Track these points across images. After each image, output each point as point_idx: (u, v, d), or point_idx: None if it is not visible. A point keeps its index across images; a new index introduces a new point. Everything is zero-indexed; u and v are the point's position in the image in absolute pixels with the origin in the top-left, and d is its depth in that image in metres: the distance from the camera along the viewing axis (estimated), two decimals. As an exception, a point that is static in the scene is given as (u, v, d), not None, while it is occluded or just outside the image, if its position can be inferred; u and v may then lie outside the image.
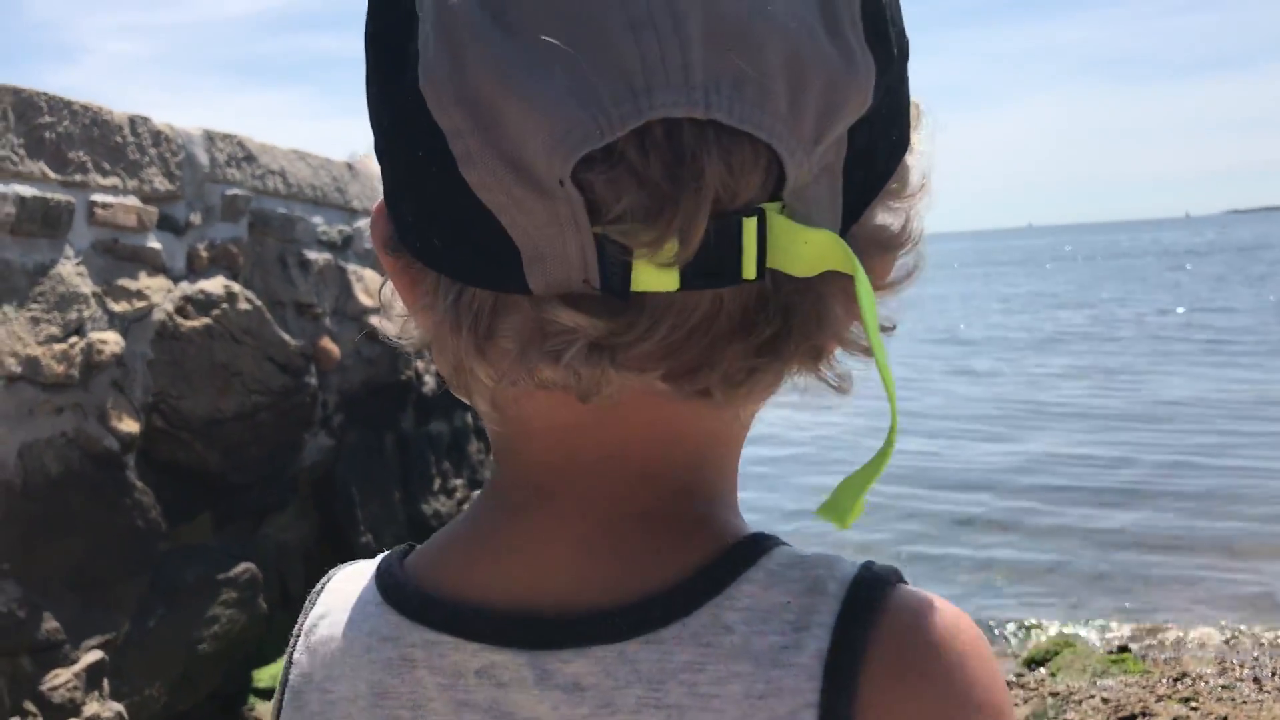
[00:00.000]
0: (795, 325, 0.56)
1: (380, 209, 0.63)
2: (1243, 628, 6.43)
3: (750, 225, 0.52)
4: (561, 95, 0.50)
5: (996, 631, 6.57)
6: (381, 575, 0.70)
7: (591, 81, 0.50)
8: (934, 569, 7.79)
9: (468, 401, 0.65)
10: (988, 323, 28.28)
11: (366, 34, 0.59)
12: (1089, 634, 6.45)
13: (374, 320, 5.57)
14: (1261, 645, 6.10)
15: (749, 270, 0.53)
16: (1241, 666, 5.67)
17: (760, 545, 0.62)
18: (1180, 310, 27.33)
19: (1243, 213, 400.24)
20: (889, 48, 0.57)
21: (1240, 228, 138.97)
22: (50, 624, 4.01)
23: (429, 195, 0.56)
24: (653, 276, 0.52)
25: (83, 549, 4.25)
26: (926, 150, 0.66)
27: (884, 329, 0.61)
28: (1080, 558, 7.86)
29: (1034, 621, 6.70)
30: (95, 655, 4.17)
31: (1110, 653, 5.98)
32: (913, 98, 0.64)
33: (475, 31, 0.51)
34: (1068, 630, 6.49)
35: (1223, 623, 6.49)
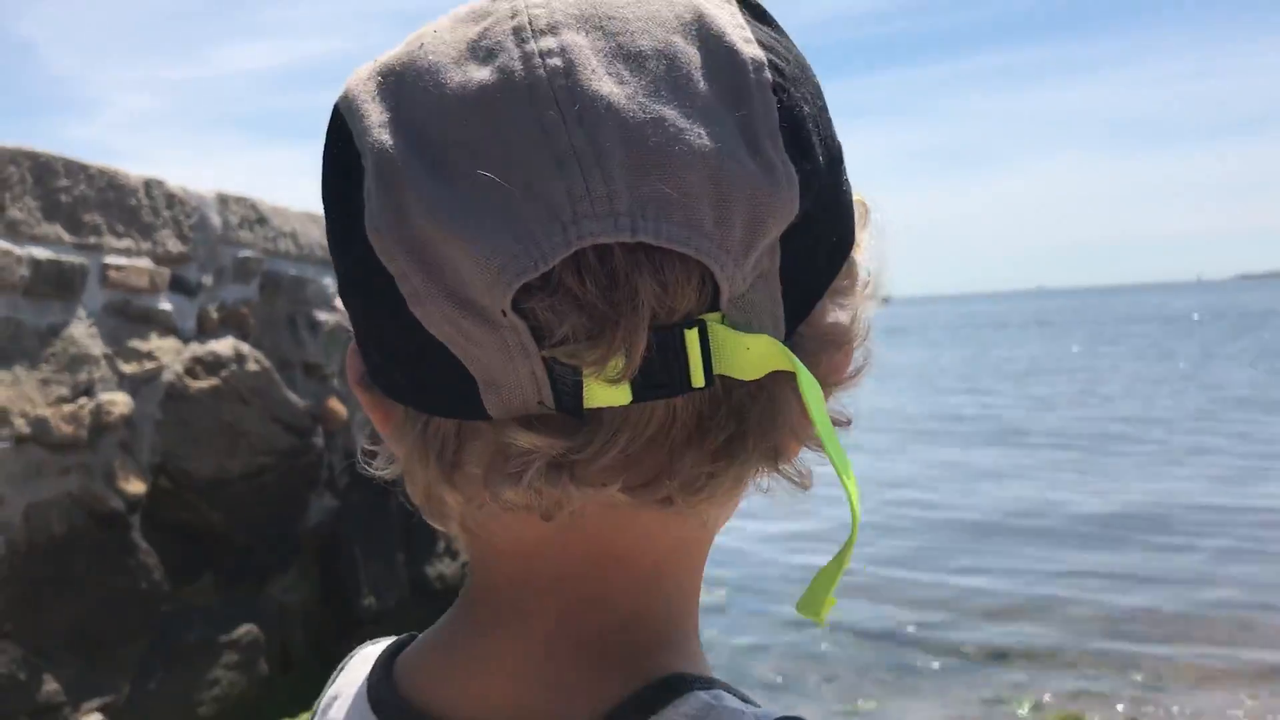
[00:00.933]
0: (749, 427, 0.58)
1: (353, 348, 0.66)
2: (1258, 698, 6.35)
3: (692, 336, 0.55)
4: (496, 232, 0.53)
5: (999, 704, 6.50)
6: (373, 673, 0.72)
7: (523, 217, 0.53)
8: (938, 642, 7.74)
9: (441, 528, 0.67)
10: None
11: (321, 186, 0.63)
12: (1089, 708, 6.36)
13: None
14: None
15: (697, 378, 0.55)
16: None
17: (673, 689, 0.62)
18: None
19: (1253, 277, 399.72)
20: (813, 156, 0.59)
21: (1246, 294, 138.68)
22: (51, 685, 4.01)
23: (388, 333, 0.59)
24: (605, 392, 0.55)
25: (85, 610, 4.25)
26: (875, 246, 0.68)
27: (839, 423, 0.63)
28: (1089, 638, 7.78)
29: (1044, 700, 6.61)
30: (95, 718, 4.15)
31: (1118, 728, 5.90)
32: (857, 196, 0.67)
33: (412, 179, 0.55)
34: (1076, 703, 6.40)
35: (1240, 695, 6.41)
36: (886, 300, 0.70)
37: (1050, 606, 8.39)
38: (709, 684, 0.62)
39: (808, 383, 0.56)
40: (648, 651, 0.64)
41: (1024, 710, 6.39)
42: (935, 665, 7.24)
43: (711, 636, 8.10)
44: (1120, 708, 6.34)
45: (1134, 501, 11.98)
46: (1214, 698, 6.43)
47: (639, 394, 0.55)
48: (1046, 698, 6.56)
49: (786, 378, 0.57)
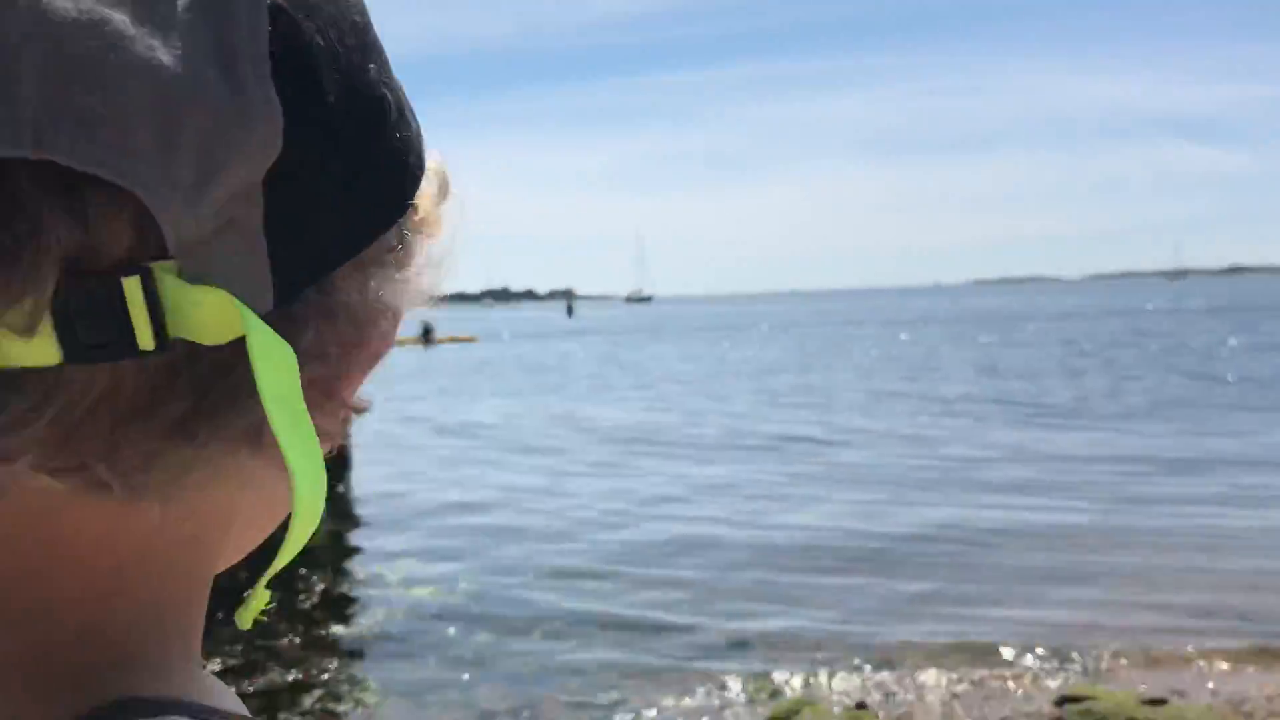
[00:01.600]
0: (218, 401, 0.48)
1: None
2: (970, 675, 6.75)
3: (133, 286, 0.45)
4: None
5: (740, 692, 6.65)
6: None
7: None
8: (682, 635, 7.87)
9: None
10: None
11: None
12: (829, 692, 6.60)
13: None
14: (983, 699, 6.39)
15: (144, 339, 0.45)
16: (967, 714, 5.92)
17: (121, 715, 0.51)
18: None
19: (986, 283, 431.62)
20: (321, 95, 0.50)
21: (975, 298, 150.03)
22: None
23: None
24: (21, 349, 0.44)
25: None
26: (454, 221, 0.60)
27: (356, 409, 0.56)
28: (821, 618, 8.10)
29: (779, 681, 6.80)
30: None
31: (849, 709, 6.13)
32: (434, 165, 0.59)
33: None
34: (810, 688, 6.62)
35: (952, 674, 6.79)
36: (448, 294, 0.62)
37: (788, 595, 8.70)
38: (164, 708, 0.51)
39: (263, 347, 0.46)
40: (103, 671, 0.53)
41: (763, 695, 6.56)
42: (675, 656, 7.35)
43: (451, 637, 7.94)
44: (853, 688, 6.61)
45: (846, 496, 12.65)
46: (937, 676, 6.80)
47: (72, 354, 0.44)
48: (785, 683, 6.76)
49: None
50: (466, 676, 7.08)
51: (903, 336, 53.13)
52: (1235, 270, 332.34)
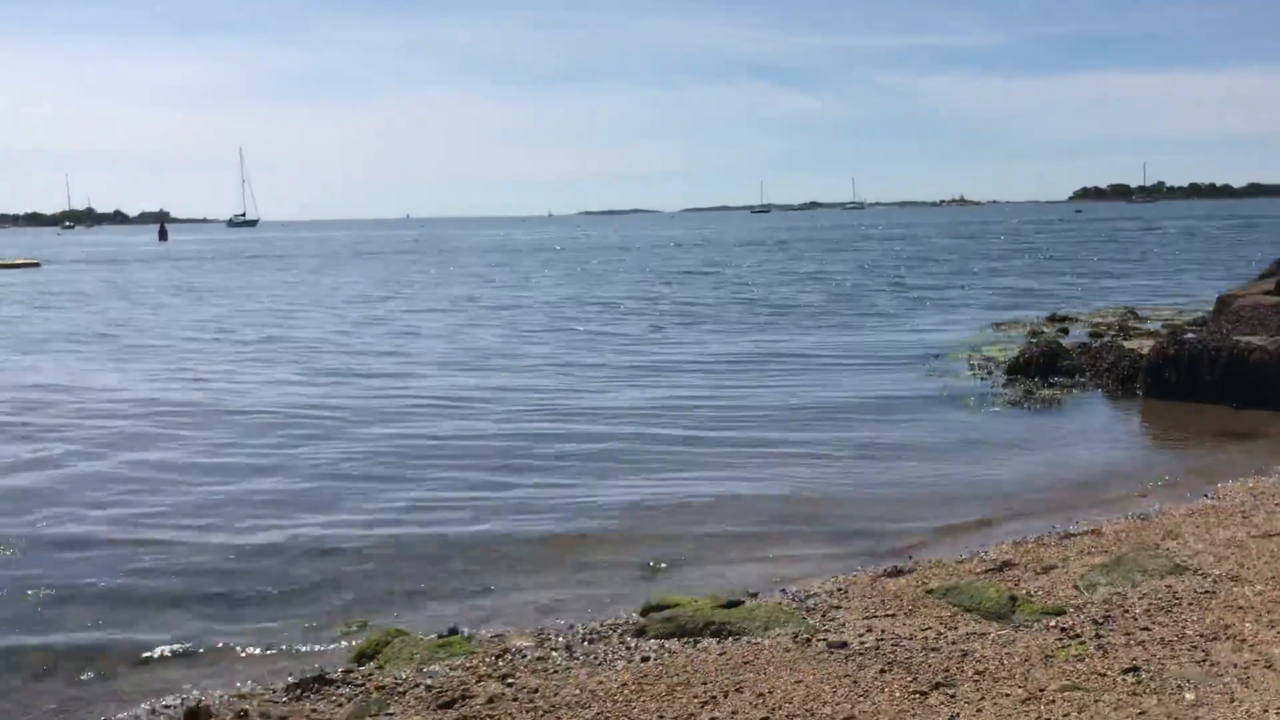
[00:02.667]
0: None
1: None
2: (561, 594, 6.85)
3: None
4: None
5: (331, 625, 6.36)
6: None
7: None
8: (275, 557, 7.43)
9: None
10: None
11: None
12: (421, 620, 6.45)
13: None
14: (577, 613, 6.50)
15: None
16: (557, 636, 5.98)
17: None
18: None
19: (593, 214, 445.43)
20: None
21: (590, 228, 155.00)
22: None
23: None
24: None
25: None
26: None
27: None
28: (419, 539, 7.94)
29: (366, 619, 6.57)
30: None
31: (440, 637, 6.00)
32: None
33: None
34: (403, 620, 6.44)
35: (543, 587, 6.86)
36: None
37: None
38: None
39: None
40: None
41: (352, 630, 6.31)
42: (256, 595, 6.93)
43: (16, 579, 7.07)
44: (447, 615, 6.51)
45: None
46: (526, 592, 6.85)
47: None
48: (373, 618, 6.54)
49: None
50: (9, 642, 6.29)
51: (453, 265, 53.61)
52: (812, 205, 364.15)
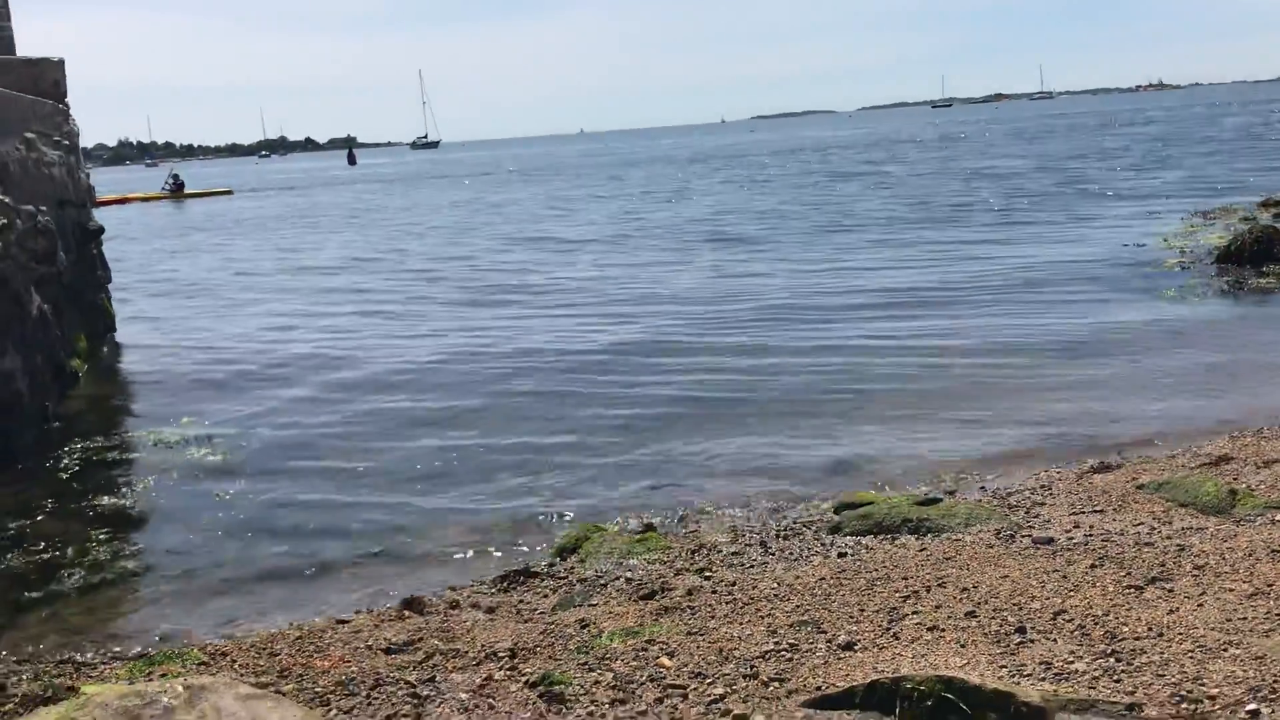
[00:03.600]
0: None
1: None
2: (754, 490, 6.88)
3: None
4: None
5: (534, 523, 6.57)
6: None
7: None
8: (480, 464, 7.71)
9: None
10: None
11: None
12: (619, 516, 6.59)
13: None
14: (770, 511, 6.52)
15: None
16: (750, 533, 6.01)
17: None
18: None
19: (766, 118, 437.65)
20: None
21: (761, 132, 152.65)
22: None
23: None
24: None
25: None
26: None
27: None
28: (613, 445, 8.09)
29: (567, 512, 6.75)
30: None
31: (637, 533, 6.12)
32: None
33: None
34: (598, 516, 6.59)
35: (736, 490, 6.90)
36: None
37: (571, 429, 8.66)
38: None
39: None
40: None
41: (553, 523, 6.50)
42: (462, 495, 7.20)
43: (252, 483, 7.58)
44: (642, 510, 6.63)
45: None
46: (723, 491, 6.90)
47: None
48: (572, 514, 6.72)
49: None
50: (248, 535, 6.74)
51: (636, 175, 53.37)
52: (997, 97, 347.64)
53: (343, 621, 5.16)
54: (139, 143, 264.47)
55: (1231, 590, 4.34)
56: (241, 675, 4.40)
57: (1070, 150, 46.05)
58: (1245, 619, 4.03)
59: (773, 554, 5.58)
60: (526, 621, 4.89)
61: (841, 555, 5.39)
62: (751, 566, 5.39)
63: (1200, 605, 4.21)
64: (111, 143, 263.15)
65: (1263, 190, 22.25)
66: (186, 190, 57.99)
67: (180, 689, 3.61)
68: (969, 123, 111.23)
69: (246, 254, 25.48)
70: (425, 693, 4.08)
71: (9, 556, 6.47)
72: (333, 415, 9.51)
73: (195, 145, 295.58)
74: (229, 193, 60.27)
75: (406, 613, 5.19)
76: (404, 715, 3.90)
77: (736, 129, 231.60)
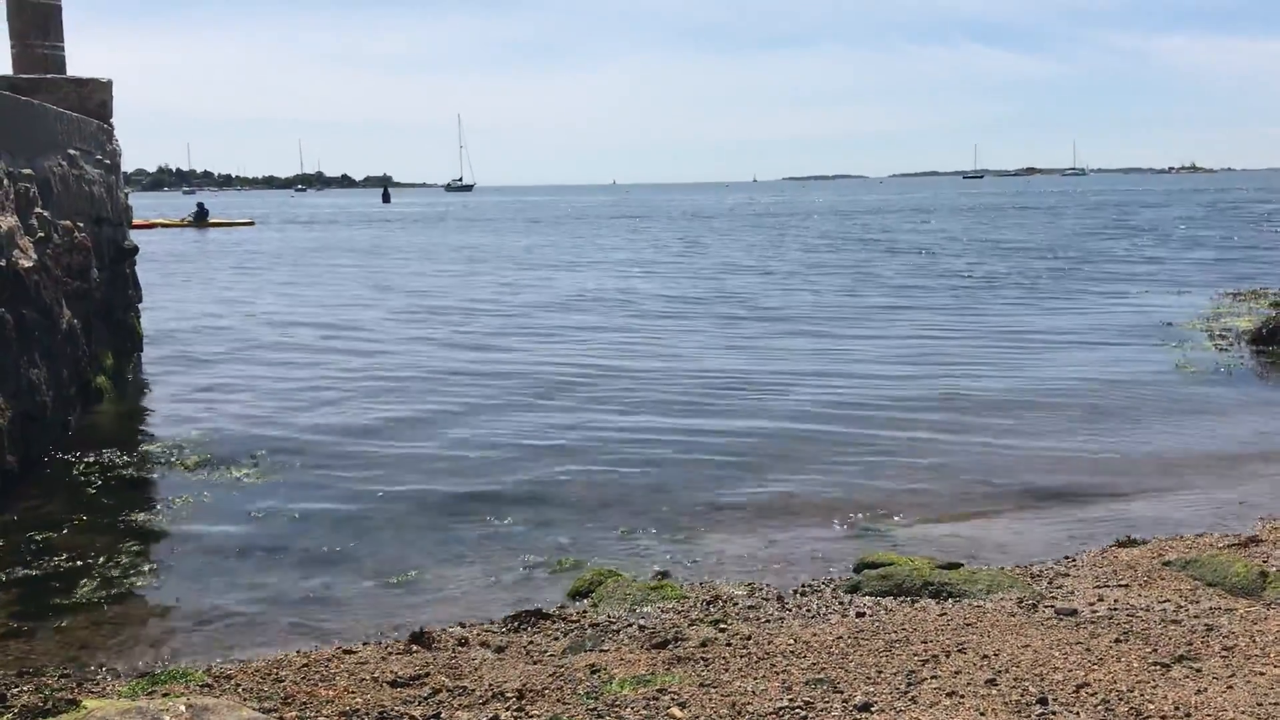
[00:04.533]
0: None
1: None
2: (771, 541, 6.78)
3: None
4: None
5: (548, 565, 6.48)
6: None
7: None
8: (496, 502, 7.65)
9: None
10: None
11: None
12: (635, 563, 6.51)
13: None
14: (788, 567, 6.42)
15: None
16: (768, 588, 5.91)
17: None
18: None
19: (798, 179, 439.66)
20: None
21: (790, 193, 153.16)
22: None
23: None
24: None
25: None
26: None
27: None
28: (631, 490, 8.02)
29: (582, 556, 6.67)
30: None
31: (652, 581, 6.04)
32: None
33: None
34: (613, 560, 6.51)
35: (754, 542, 6.80)
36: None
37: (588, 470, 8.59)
38: None
39: None
40: None
41: (566, 567, 6.42)
42: (476, 533, 7.14)
43: (270, 506, 7.58)
44: (657, 557, 6.54)
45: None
46: (740, 544, 6.81)
47: None
48: (588, 555, 6.63)
49: None
50: (261, 559, 6.69)
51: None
52: (1028, 171, 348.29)
53: (349, 651, 5.09)
54: (178, 170, 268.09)
55: (1262, 674, 4.22)
56: (245, 699, 4.34)
57: (1106, 226, 46.00)
58: (1276, 704, 3.91)
59: (789, 610, 5.48)
60: (536, 663, 4.81)
61: (860, 615, 5.29)
62: (768, 621, 5.29)
63: (1229, 687, 4.09)
64: (152, 169, 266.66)
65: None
66: (210, 219, 58.76)
67: (183, 708, 3.56)
68: (1006, 194, 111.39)
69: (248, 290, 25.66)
70: (430, 728, 4.00)
71: (21, 566, 6.45)
72: (354, 447, 9.48)
73: (234, 175, 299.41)
74: (251, 224, 61.00)
75: (414, 647, 5.12)
76: (407, 750, 3.82)
77: (768, 188, 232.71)
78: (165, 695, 4.27)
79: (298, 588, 6.24)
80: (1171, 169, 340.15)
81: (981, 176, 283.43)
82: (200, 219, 57.51)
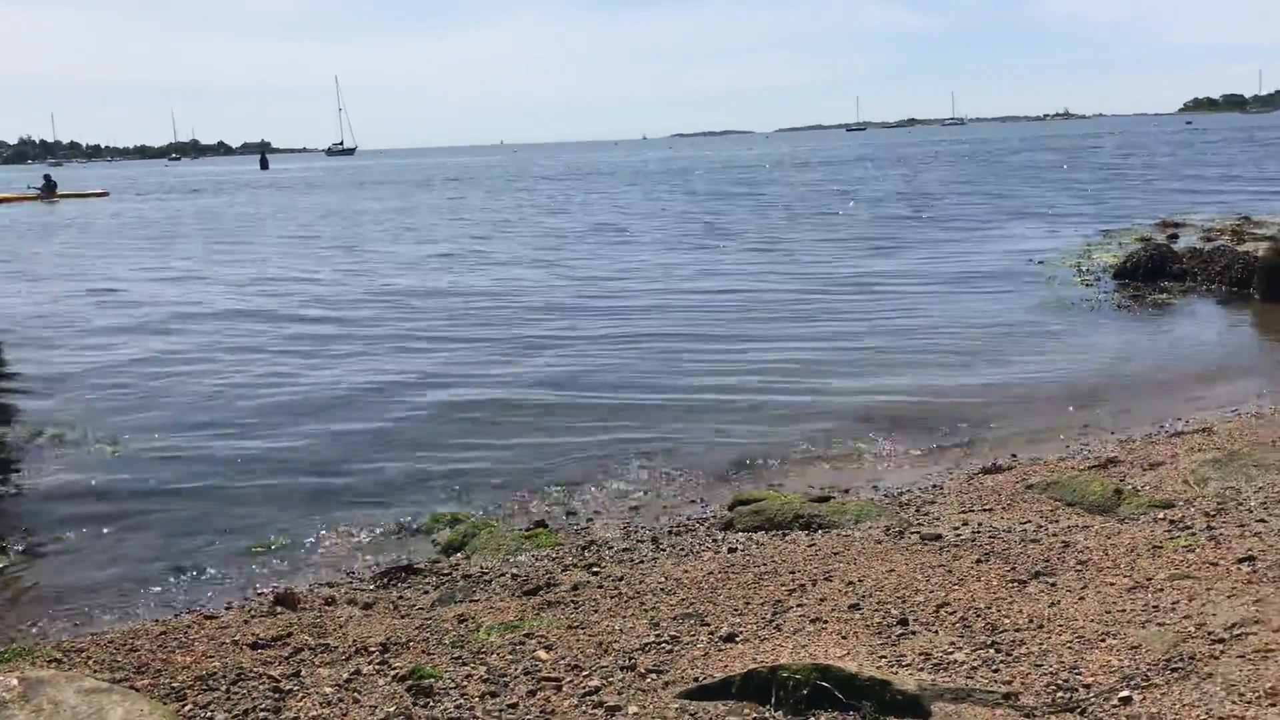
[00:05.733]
0: None
1: None
2: (648, 487, 6.78)
3: None
4: None
5: (422, 520, 6.37)
6: None
7: None
8: (368, 459, 7.49)
9: None
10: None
11: None
12: (510, 513, 6.44)
13: None
14: (664, 508, 6.42)
15: None
16: (643, 530, 5.90)
17: None
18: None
19: (685, 136, 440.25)
20: None
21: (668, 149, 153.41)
22: None
23: None
24: None
25: None
26: None
27: None
28: (505, 441, 7.93)
29: (457, 509, 6.57)
30: None
31: (526, 530, 5.98)
32: None
33: None
34: (488, 514, 6.43)
35: (630, 488, 6.78)
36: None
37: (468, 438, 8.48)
38: None
39: None
40: None
41: (441, 524, 6.32)
42: (347, 496, 6.98)
43: (129, 481, 7.28)
44: (533, 509, 6.48)
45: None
46: (617, 491, 6.79)
47: None
48: (464, 511, 6.54)
49: None
50: (120, 534, 6.44)
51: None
52: (910, 122, 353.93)
53: (210, 617, 4.93)
54: (42, 141, 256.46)
55: (1112, 584, 4.35)
56: (95, 671, 4.16)
57: (984, 173, 47.06)
58: (1124, 611, 4.03)
59: (663, 550, 5.48)
60: (404, 617, 4.72)
61: (732, 550, 5.31)
62: (641, 562, 5.28)
63: (1081, 599, 4.21)
64: (12, 140, 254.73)
65: (1159, 213, 22.92)
66: (59, 191, 56.49)
67: (15, 682, 3.38)
68: (888, 145, 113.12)
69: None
70: (288, 687, 3.89)
71: None
72: (212, 414, 9.17)
73: (103, 146, 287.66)
74: (104, 194, 58.69)
75: (279, 609, 4.98)
76: (263, 710, 3.70)
77: (657, 145, 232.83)
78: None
79: (160, 560, 6.01)
80: (1047, 116, 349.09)
81: (864, 129, 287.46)
82: (48, 191, 55.13)
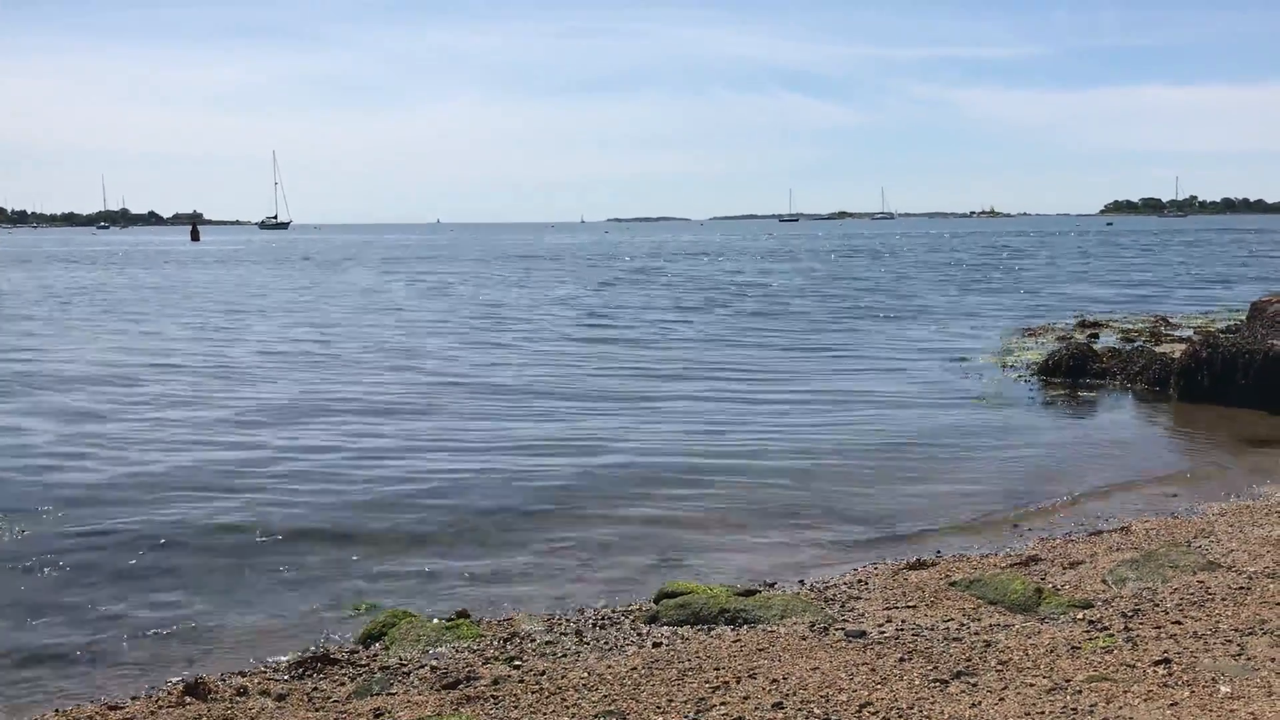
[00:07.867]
0: None
1: None
2: (573, 577, 6.70)
3: None
4: None
5: (341, 609, 6.23)
6: None
7: None
8: (286, 546, 7.32)
9: None
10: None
11: None
12: (433, 603, 6.32)
13: None
14: (589, 600, 6.35)
15: None
16: (567, 622, 5.83)
17: None
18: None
19: (623, 220, 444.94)
20: None
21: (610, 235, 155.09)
22: None
23: None
24: None
25: None
26: None
27: None
28: (429, 532, 7.82)
29: (378, 599, 6.44)
30: None
31: (448, 620, 5.87)
32: None
33: None
34: (408, 603, 6.31)
35: (555, 579, 6.70)
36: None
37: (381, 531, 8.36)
38: None
39: None
40: None
41: (360, 612, 6.18)
42: (266, 578, 6.81)
43: (36, 558, 7.00)
44: (456, 599, 6.37)
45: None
46: (540, 582, 6.70)
47: None
48: (383, 601, 6.41)
49: None
50: (21, 615, 6.20)
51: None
52: (841, 214, 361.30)
53: (115, 708, 4.75)
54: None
55: (1032, 685, 4.38)
56: (-12, 765, 3.97)
57: (913, 269, 48.05)
58: (1043, 713, 4.05)
59: (587, 643, 5.41)
60: (318, 710, 4.59)
61: (656, 645, 5.26)
62: (564, 656, 5.20)
63: (1001, 699, 4.22)
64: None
65: (1079, 313, 23.58)
66: None
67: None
68: (819, 237, 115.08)
69: None
70: (193, 785, 3.74)
71: None
72: (122, 491, 8.93)
73: (29, 212, 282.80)
74: None
75: (188, 699, 4.81)
76: (165, 809, 3.55)
77: (594, 229, 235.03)
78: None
79: (64, 644, 5.79)
80: (973, 213, 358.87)
81: (797, 219, 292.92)
82: None
